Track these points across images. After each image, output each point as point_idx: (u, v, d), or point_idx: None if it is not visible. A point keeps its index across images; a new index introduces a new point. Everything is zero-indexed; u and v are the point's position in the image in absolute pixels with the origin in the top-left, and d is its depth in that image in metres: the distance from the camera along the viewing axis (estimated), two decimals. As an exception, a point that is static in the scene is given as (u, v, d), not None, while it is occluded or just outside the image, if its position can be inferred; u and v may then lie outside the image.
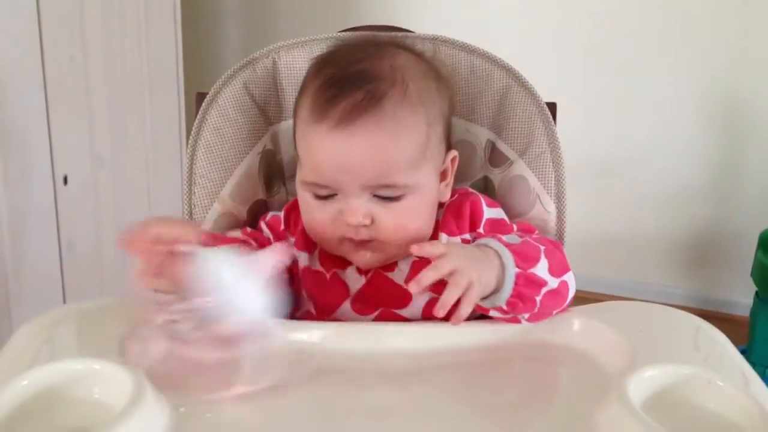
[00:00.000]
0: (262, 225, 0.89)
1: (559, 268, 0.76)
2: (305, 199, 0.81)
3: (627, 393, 0.59)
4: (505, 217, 0.86)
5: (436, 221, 0.84)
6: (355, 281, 0.83)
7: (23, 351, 0.68)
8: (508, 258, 0.73)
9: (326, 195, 0.78)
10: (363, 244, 0.79)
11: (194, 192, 0.90)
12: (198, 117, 0.91)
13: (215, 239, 0.80)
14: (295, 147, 0.83)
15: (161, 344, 0.60)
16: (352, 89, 0.75)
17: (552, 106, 0.94)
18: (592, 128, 2.17)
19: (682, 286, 2.26)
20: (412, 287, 0.70)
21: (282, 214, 0.89)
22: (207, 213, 0.90)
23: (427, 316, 0.81)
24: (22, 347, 0.69)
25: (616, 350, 0.68)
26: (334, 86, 0.76)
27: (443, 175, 0.84)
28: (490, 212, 0.85)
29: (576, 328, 0.74)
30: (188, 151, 0.91)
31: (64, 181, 1.64)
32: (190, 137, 0.91)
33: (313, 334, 0.74)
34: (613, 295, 0.83)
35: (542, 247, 0.77)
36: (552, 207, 0.89)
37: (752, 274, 1.82)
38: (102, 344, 0.66)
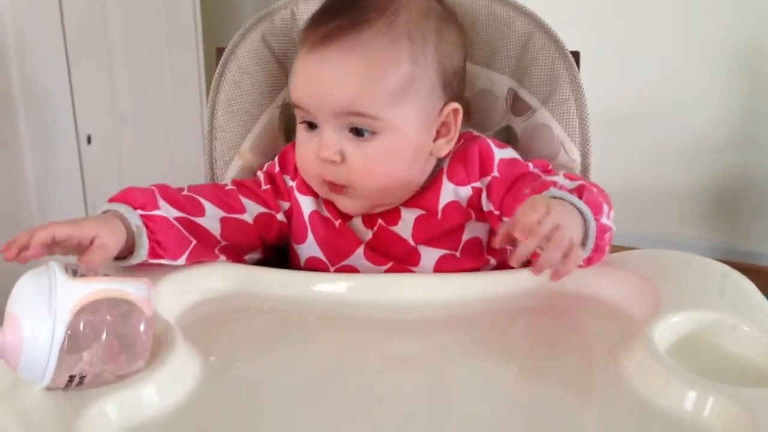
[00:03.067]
0: (258, 172, 0.87)
1: (609, 206, 0.72)
2: (298, 132, 0.81)
3: (652, 339, 0.59)
4: (518, 156, 0.82)
5: (441, 169, 0.81)
6: (363, 234, 0.83)
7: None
8: (587, 212, 0.68)
9: (309, 122, 0.78)
10: (338, 189, 0.78)
11: (215, 146, 0.90)
12: (217, 71, 0.91)
13: (168, 194, 0.77)
14: None
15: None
16: (338, 15, 0.75)
17: (576, 55, 0.92)
18: (613, 79, 2.13)
19: (705, 237, 2.24)
20: (513, 263, 0.63)
21: (277, 158, 0.87)
22: (228, 167, 0.90)
23: (439, 272, 0.80)
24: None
25: (642, 297, 0.67)
26: (325, 12, 0.77)
27: (445, 129, 0.79)
28: (501, 153, 0.81)
29: (601, 275, 0.73)
30: (208, 105, 0.91)
31: (88, 141, 1.65)
32: (210, 92, 0.91)
33: (337, 285, 0.75)
34: (635, 248, 0.83)
35: (594, 189, 0.72)
36: (576, 155, 0.88)
37: (778, 224, 1.80)
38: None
